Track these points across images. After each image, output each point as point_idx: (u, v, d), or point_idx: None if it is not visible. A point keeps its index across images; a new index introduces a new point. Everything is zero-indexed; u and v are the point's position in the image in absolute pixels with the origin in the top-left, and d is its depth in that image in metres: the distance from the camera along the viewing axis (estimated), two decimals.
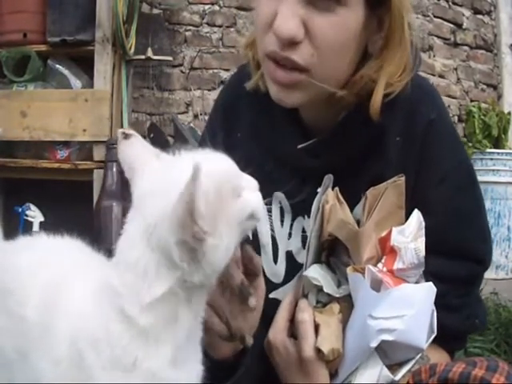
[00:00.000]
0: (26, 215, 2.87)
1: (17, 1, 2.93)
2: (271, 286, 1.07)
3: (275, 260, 1.12)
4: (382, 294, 0.87)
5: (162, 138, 3.06)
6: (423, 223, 0.92)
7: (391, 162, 1.03)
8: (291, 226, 1.11)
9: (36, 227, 2.86)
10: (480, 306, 1.11)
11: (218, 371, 0.83)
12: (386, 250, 0.91)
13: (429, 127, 1.03)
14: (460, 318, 1.04)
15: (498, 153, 3.45)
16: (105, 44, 2.85)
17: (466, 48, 4.11)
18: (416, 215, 0.94)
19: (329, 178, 0.97)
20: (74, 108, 2.84)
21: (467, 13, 4.11)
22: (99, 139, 2.83)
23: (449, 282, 1.00)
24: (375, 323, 0.86)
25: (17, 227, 2.81)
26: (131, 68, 3.11)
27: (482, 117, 3.50)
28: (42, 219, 2.88)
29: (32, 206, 2.88)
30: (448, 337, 0.97)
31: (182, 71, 3.42)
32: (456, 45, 4.06)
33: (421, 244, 0.90)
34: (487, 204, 3.34)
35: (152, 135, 2.93)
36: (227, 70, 3.38)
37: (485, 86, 4.18)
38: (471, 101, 4.03)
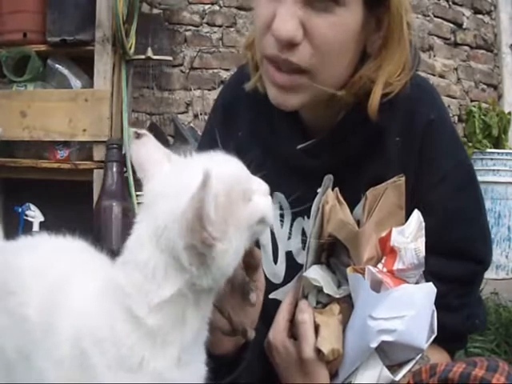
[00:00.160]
0: (26, 215, 2.88)
1: (17, 1, 2.94)
2: (271, 286, 1.07)
3: (275, 260, 1.12)
4: (382, 295, 0.87)
5: (162, 138, 3.06)
6: (423, 223, 0.92)
7: (391, 162, 1.03)
8: (291, 226, 1.11)
9: (36, 227, 2.86)
10: (480, 306, 1.11)
11: (219, 367, 0.83)
12: (386, 250, 0.91)
13: (428, 127, 1.03)
14: (460, 318, 1.04)
15: (498, 153, 3.45)
16: (105, 44, 2.85)
17: (466, 48, 4.11)
18: (416, 215, 0.93)
19: (329, 179, 0.97)
20: (73, 108, 2.84)
21: (467, 13, 4.11)
22: (99, 139, 2.83)
23: (449, 282, 1.00)
24: (375, 324, 0.86)
25: (17, 227, 2.81)
26: (131, 68, 3.11)
27: (483, 117, 3.50)
28: (42, 219, 2.88)
29: (32, 206, 2.89)
30: (448, 337, 0.97)
31: (181, 71, 3.42)
32: (456, 45, 4.06)
33: (421, 244, 0.90)
34: (487, 204, 3.34)
35: (152, 135, 2.92)
36: (227, 69, 3.38)
37: (485, 86, 4.18)
38: (471, 101, 4.03)
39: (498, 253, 3.41)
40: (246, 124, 1.15)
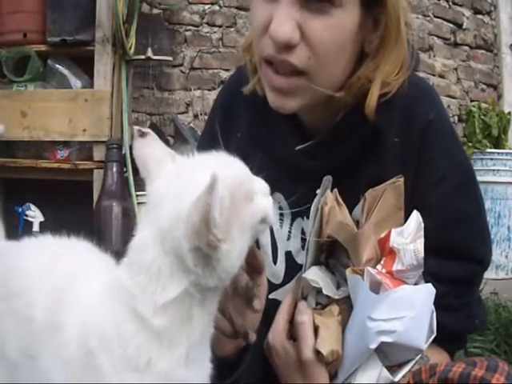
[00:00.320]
0: (26, 215, 2.88)
1: (17, 1, 2.94)
2: (271, 286, 1.07)
3: (275, 261, 1.12)
4: (381, 296, 0.87)
5: (162, 138, 3.06)
6: (422, 224, 0.92)
7: (390, 163, 1.03)
8: (290, 226, 1.11)
9: (36, 227, 2.86)
10: (479, 307, 1.11)
11: (220, 368, 0.83)
12: (385, 251, 0.91)
13: (427, 128, 1.03)
14: (460, 318, 1.04)
15: (498, 153, 3.45)
16: (105, 44, 2.85)
17: (466, 48, 4.11)
18: (415, 216, 0.93)
19: (328, 180, 0.97)
20: (73, 108, 2.84)
21: (467, 13, 4.11)
22: (99, 139, 2.83)
23: (448, 283, 1.00)
24: (374, 325, 0.86)
25: (17, 227, 2.81)
26: (131, 68, 3.11)
27: (482, 117, 3.49)
28: (42, 219, 2.88)
29: (32, 206, 2.89)
30: (448, 337, 0.98)
31: (182, 71, 3.42)
32: (456, 45, 4.06)
33: (420, 245, 0.90)
34: (487, 204, 3.34)
35: None
36: (227, 70, 3.38)
37: (485, 86, 4.18)
38: (471, 101, 4.03)
39: (498, 253, 3.41)
40: (244, 125, 1.16)
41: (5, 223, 0.97)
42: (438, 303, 0.89)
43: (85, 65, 2.95)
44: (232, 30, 3.46)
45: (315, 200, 0.97)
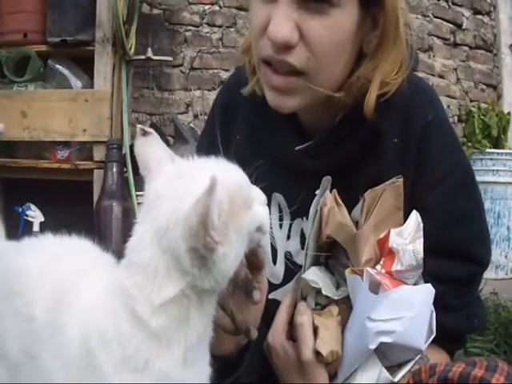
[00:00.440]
0: (26, 215, 2.88)
1: (17, 1, 2.93)
2: (271, 286, 1.07)
3: (274, 261, 1.12)
4: (381, 296, 0.87)
5: (162, 138, 3.04)
6: (421, 224, 0.92)
7: (389, 163, 1.03)
8: (290, 227, 1.11)
9: (36, 227, 2.86)
10: (479, 306, 1.11)
11: (220, 368, 0.83)
12: (385, 251, 0.92)
13: (426, 128, 1.03)
14: (459, 318, 1.04)
15: (498, 153, 3.45)
16: (105, 44, 2.85)
17: (465, 48, 4.11)
18: (414, 216, 0.94)
19: (327, 180, 0.97)
20: (74, 108, 2.84)
21: (467, 13, 4.11)
22: (99, 139, 2.83)
23: (448, 283, 1.00)
24: (374, 325, 0.86)
25: (17, 227, 2.81)
26: (131, 68, 3.11)
27: (482, 117, 3.49)
28: (42, 219, 2.88)
29: (32, 206, 2.89)
30: (447, 337, 0.98)
31: (182, 71, 3.42)
32: (456, 45, 4.06)
33: (419, 246, 0.90)
34: (487, 204, 3.34)
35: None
36: (227, 70, 3.38)
37: (484, 86, 4.18)
38: (471, 101, 4.03)
39: (498, 253, 3.41)
40: (244, 125, 1.16)
41: (5, 223, 0.97)
42: (438, 303, 0.90)
43: (85, 65, 2.95)
44: (232, 30, 3.46)
45: (314, 201, 0.97)
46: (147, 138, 0.78)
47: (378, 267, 0.91)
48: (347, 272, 0.92)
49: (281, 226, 1.11)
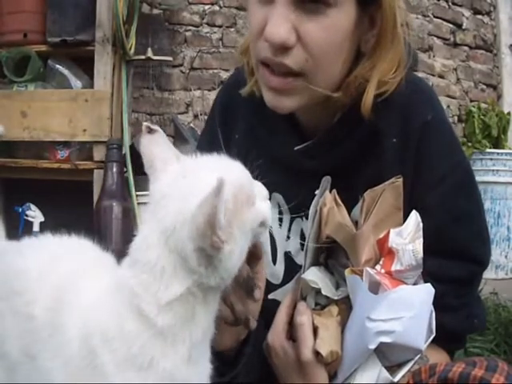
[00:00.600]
0: (26, 215, 2.88)
1: (17, 1, 2.93)
2: (270, 286, 1.07)
3: (274, 261, 1.12)
4: (380, 296, 0.87)
5: None
6: (421, 224, 0.92)
7: (388, 163, 1.03)
8: (289, 227, 1.11)
9: (36, 227, 2.86)
10: (479, 306, 1.11)
11: (220, 364, 0.83)
12: (384, 251, 0.92)
13: (426, 128, 1.03)
14: (459, 318, 1.04)
15: (498, 153, 3.45)
16: (105, 44, 2.85)
17: (465, 48, 4.11)
18: (414, 216, 0.94)
19: (326, 181, 0.97)
20: (74, 108, 2.84)
21: (467, 13, 4.11)
22: (99, 139, 2.83)
23: (448, 283, 1.00)
24: (373, 325, 0.86)
25: (17, 227, 2.81)
26: (131, 68, 3.11)
27: (482, 117, 3.49)
28: (42, 219, 2.88)
29: (32, 206, 2.89)
30: (447, 337, 0.98)
31: (182, 71, 3.42)
32: (456, 45, 4.06)
33: (419, 245, 0.90)
34: (487, 204, 3.34)
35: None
36: (227, 70, 3.38)
37: (484, 86, 4.18)
38: (471, 101, 4.03)
39: (498, 253, 3.41)
40: (243, 125, 1.16)
41: (5, 223, 0.97)
42: (438, 303, 0.90)
43: (85, 65, 2.95)
44: (232, 30, 3.46)
45: (314, 201, 0.97)
46: (153, 135, 0.79)
47: (378, 267, 0.91)
48: (347, 272, 0.92)
49: (280, 226, 1.11)
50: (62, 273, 0.80)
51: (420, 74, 3.60)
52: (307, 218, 0.99)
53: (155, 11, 3.26)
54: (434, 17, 3.95)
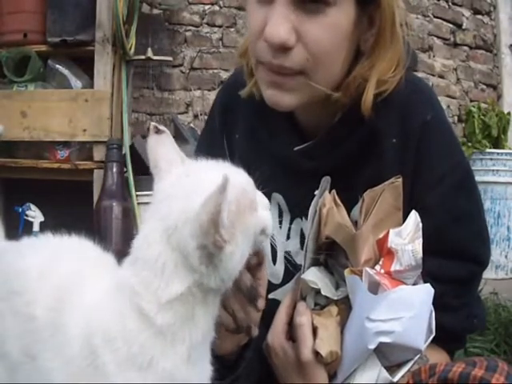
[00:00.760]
0: (26, 215, 2.88)
1: (17, 1, 2.94)
2: (270, 286, 1.07)
3: (274, 261, 1.12)
4: (380, 297, 0.87)
5: None
6: (420, 224, 0.92)
7: (388, 163, 1.03)
8: (289, 227, 1.11)
9: (36, 227, 2.86)
10: (479, 306, 1.11)
11: (220, 367, 0.83)
12: (384, 251, 0.92)
13: (425, 128, 1.03)
14: (459, 318, 1.04)
15: (498, 153, 3.45)
16: (105, 44, 2.85)
17: (465, 48, 4.11)
18: (413, 216, 0.94)
19: (326, 181, 0.97)
20: (74, 108, 2.84)
21: (467, 13, 4.11)
22: (99, 139, 2.83)
23: (447, 283, 1.00)
24: (373, 325, 0.86)
25: (17, 227, 2.82)
26: (131, 68, 3.11)
27: (482, 117, 3.49)
28: (42, 219, 2.88)
29: (32, 206, 2.89)
30: (447, 337, 0.98)
31: (182, 71, 3.42)
32: (456, 45, 4.06)
33: (418, 246, 0.90)
34: (487, 204, 3.34)
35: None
36: (227, 70, 3.38)
37: (484, 86, 4.18)
38: (471, 101, 4.03)
39: (498, 253, 3.41)
40: (243, 125, 1.16)
41: (5, 223, 0.97)
42: (438, 303, 0.90)
43: (85, 65, 2.95)
44: (232, 30, 3.46)
45: (313, 201, 0.97)
46: (160, 136, 0.80)
47: (377, 267, 0.91)
48: (346, 272, 0.92)
49: (280, 225, 1.11)
50: (62, 273, 0.80)
51: (420, 74, 3.60)
52: (307, 219, 0.99)
53: (155, 11, 3.26)
54: (434, 17, 3.95)
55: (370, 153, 1.04)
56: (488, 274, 3.02)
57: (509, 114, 3.65)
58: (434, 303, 0.89)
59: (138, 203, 2.77)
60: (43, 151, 2.95)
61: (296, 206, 1.09)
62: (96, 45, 2.85)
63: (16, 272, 0.82)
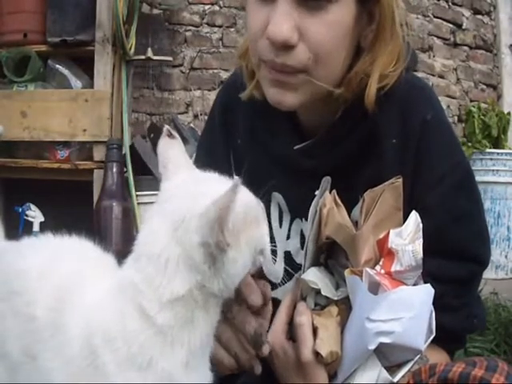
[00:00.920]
0: (26, 215, 2.88)
1: (17, 1, 2.94)
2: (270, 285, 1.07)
3: (273, 260, 1.12)
4: (380, 297, 0.87)
5: None
6: (421, 225, 0.92)
7: (388, 163, 1.03)
8: (290, 226, 1.11)
9: (36, 227, 2.87)
10: (479, 306, 1.11)
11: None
12: (384, 252, 0.91)
13: (425, 128, 1.03)
14: (459, 318, 1.03)
15: (498, 153, 3.45)
16: (105, 44, 2.85)
17: (465, 48, 4.11)
18: (413, 217, 0.93)
19: (326, 181, 0.97)
20: (74, 108, 2.84)
21: (467, 13, 4.11)
22: (99, 139, 2.83)
23: (447, 283, 1.00)
24: (373, 326, 0.86)
25: (17, 227, 2.82)
26: (131, 68, 3.11)
27: (482, 117, 3.49)
28: (42, 219, 2.89)
29: (32, 206, 2.89)
30: (447, 337, 0.97)
31: (182, 71, 3.42)
32: (456, 45, 4.07)
33: (418, 246, 0.90)
34: (487, 204, 3.34)
35: (152, 135, 2.93)
36: (227, 70, 3.38)
37: (484, 86, 4.18)
38: (471, 101, 4.03)
39: (498, 253, 3.41)
40: (244, 125, 1.15)
41: (5, 223, 0.97)
42: (438, 303, 0.89)
43: (85, 65, 2.96)
44: (232, 30, 3.46)
45: (314, 201, 0.96)
46: (172, 140, 0.82)
47: (378, 268, 0.91)
48: (346, 272, 0.92)
49: (280, 225, 1.11)
50: (62, 273, 0.80)
51: (420, 74, 3.60)
52: (306, 219, 0.99)
53: (155, 11, 3.26)
54: (434, 17, 3.95)
55: (370, 153, 1.04)
56: (488, 274, 3.02)
57: (509, 113, 3.65)
58: (434, 303, 0.89)
59: (138, 203, 2.77)
60: (43, 151, 2.95)
61: (296, 206, 1.09)
62: (96, 45, 2.86)
63: (16, 272, 0.82)
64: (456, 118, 3.95)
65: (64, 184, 2.88)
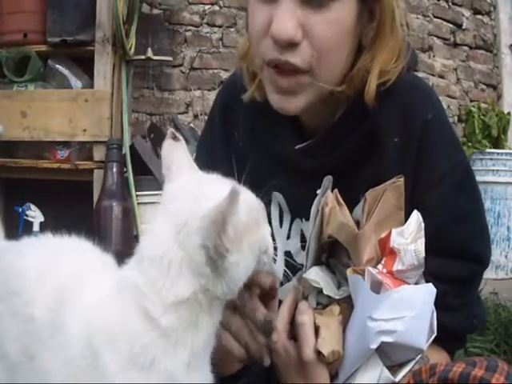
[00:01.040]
0: (26, 215, 2.88)
1: (17, 1, 2.94)
2: None
3: (274, 260, 1.12)
4: (382, 296, 0.87)
5: (162, 138, 3.05)
6: (422, 224, 0.92)
7: (389, 163, 1.03)
8: (290, 226, 1.11)
9: (36, 227, 2.87)
10: (479, 306, 1.11)
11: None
12: (386, 251, 0.91)
13: (426, 127, 1.03)
14: (459, 317, 1.03)
15: (498, 153, 3.45)
16: (105, 44, 2.86)
17: (465, 48, 4.11)
18: (415, 216, 0.93)
19: (328, 180, 0.97)
20: (74, 108, 2.84)
21: (467, 13, 4.11)
22: (99, 139, 2.83)
23: (448, 282, 1.00)
24: (375, 325, 0.86)
25: (17, 227, 2.82)
26: (131, 68, 3.11)
27: (482, 117, 3.50)
28: (42, 219, 2.89)
29: (32, 206, 2.89)
30: (448, 337, 0.97)
31: (182, 71, 3.42)
32: (456, 45, 4.07)
33: (420, 245, 0.90)
34: (487, 204, 3.34)
35: (152, 135, 2.93)
36: (227, 70, 3.38)
37: (484, 86, 4.18)
38: (471, 101, 4.04)
39: (498, 253, 3.41)
40: (244, 124, 1.15)
41: (5, 223, 0.97)
42: (438, 303, 0.89)
43: (85, 65, 2.96)
44: (232, 30, 3.46)
45: (316, 200, 0.96)
46: (176, 143, 0.82)
47: (380, 267, 0.91)
48: (348, 271, 0.92)
49: (281, 225, 1.11)
50: (62, 273, 0.80)
51: (420, 74, 3.60)
52: (307, 219, 0.99)
53: (155, 11, 3.27)
54: (434, 17, 3.95)
55: (371, 152, 1.04)
56: (488, 274, 3.01)
57: (509, 113, 3.65)
58: (434, 303, 0.89)
59: (138, 203, 2.77)
60: (43, 151, 2.95)
61: (296, 206, 1.09)
62: (96, 45, 2.86)
63: (15, 272, 0.82)
64: (456, 117, 3.95)
65: (64, 184, 2.88)
